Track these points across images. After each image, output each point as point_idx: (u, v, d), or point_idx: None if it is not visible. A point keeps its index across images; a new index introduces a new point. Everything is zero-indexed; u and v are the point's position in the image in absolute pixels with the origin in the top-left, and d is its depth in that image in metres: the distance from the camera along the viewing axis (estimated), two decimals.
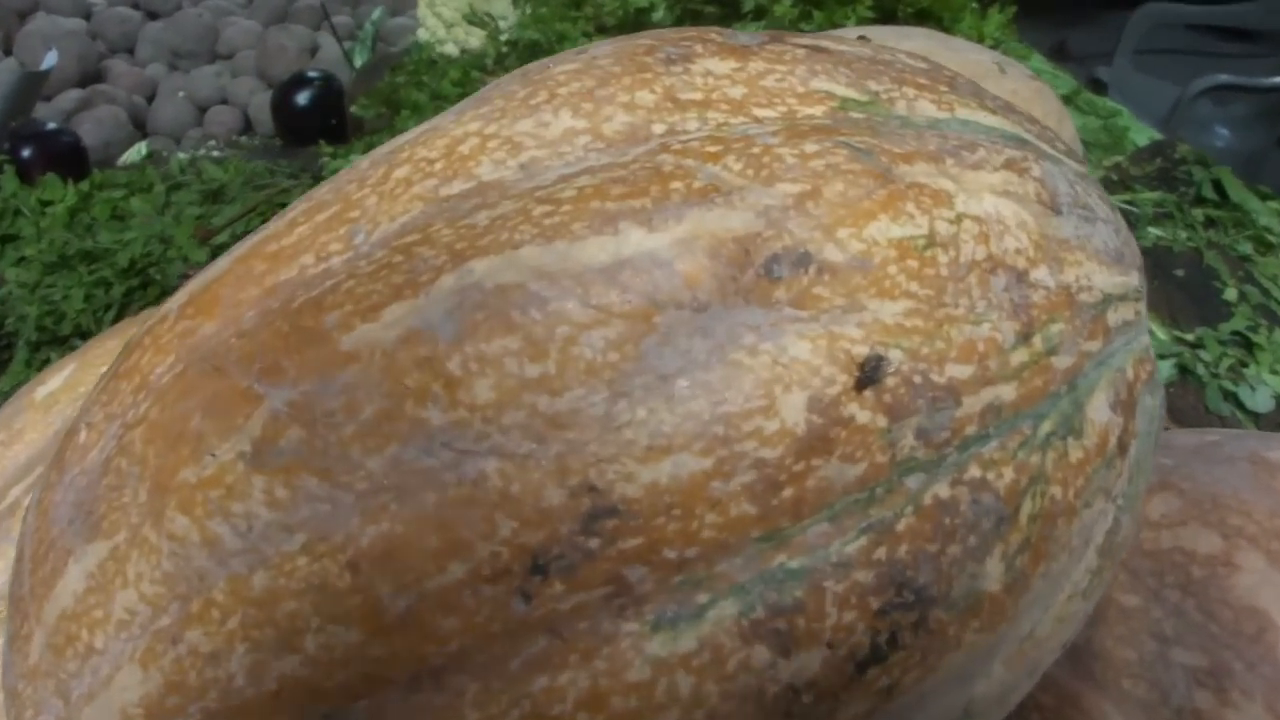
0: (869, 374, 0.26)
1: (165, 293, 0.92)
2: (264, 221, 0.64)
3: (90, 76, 1.69)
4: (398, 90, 1.16)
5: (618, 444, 0.24)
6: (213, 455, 0.26)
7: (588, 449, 0.24)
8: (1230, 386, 0.90)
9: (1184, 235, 1.06)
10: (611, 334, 0.25)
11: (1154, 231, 1.03)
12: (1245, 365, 0.92)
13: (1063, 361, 0.32)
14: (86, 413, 0.31)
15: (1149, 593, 0.44)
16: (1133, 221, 1.05)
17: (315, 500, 0.25)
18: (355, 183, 0.30)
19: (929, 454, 0.28)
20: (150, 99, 1.68)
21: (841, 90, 0.31)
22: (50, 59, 1.36)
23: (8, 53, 1.62)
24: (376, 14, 1.76)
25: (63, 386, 0.55)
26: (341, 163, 1.15)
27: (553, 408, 0.25)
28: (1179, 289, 0.99)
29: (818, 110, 0.30)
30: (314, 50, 1.71)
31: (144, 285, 0.93)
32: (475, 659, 0.25)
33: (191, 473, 0.26)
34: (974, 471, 0.29)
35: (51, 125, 1.24)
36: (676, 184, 0.26)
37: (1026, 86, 0.74)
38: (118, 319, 0.90)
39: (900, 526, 0.27)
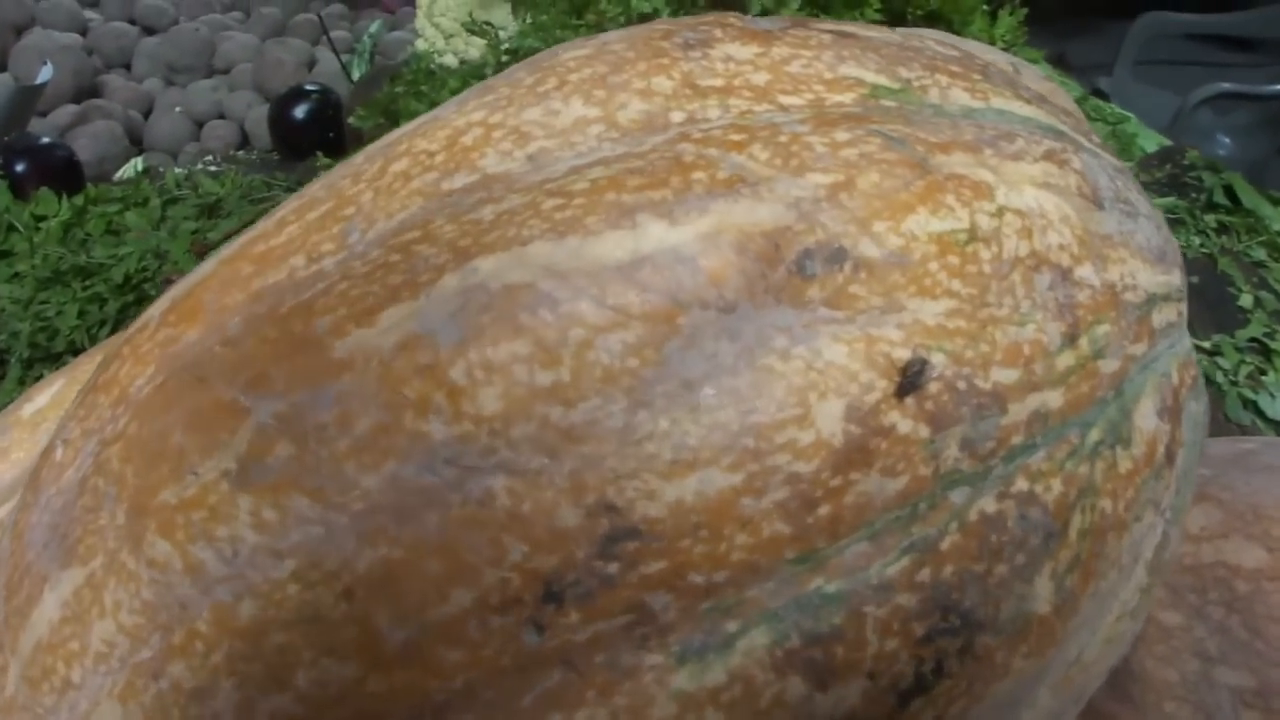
0: (911, 379, 0.24)
1: None
2: None
3: (86, 92, 1.67)
4: (396, 100, 1.14)
5: (638, 458, 0.22)
6: (195, 474, 0.24)
7: (605, 464, 0.22)
8: (1250, 394, 0.88)
9: (1196, 241, 1.04)
10: (630, 337, 0.23)
11: None
12: (1264, 373, 0.90)
13: (1109, 365, 0.29)
14: (64, 429, 0.29)
15: (1191, 610, 0.42)
16: None
17: (306, 522, 0.23)
18: (350, 178, 0.28)
19: (974, 466, 0.25)
20: (147, 114, 1.66)
21: (871, 77, 0.29)
22: (45, 73, 1.35)
23: (3, 68, 1.61)
24: (375, 27, 1.75)
25: (50, 404, 0.53)
26: None
27: (566, 419, 0.22)
28: (1194, 296, 0.97)
29: (847, 97, 0.28)
30: (312, 64, 1.69)
31: (139, 301, 0.91)
32: (482, 696, 0.23)
33: (172, 493, 0.24)
34: (1021, 484, 0.26)
35: (45, 139, 1.22)
36: (699, 174, 0.24)
37: (1041, 87, 0.72)
38: (112, 335, 0.88)
39: (945, 545, 0.25)
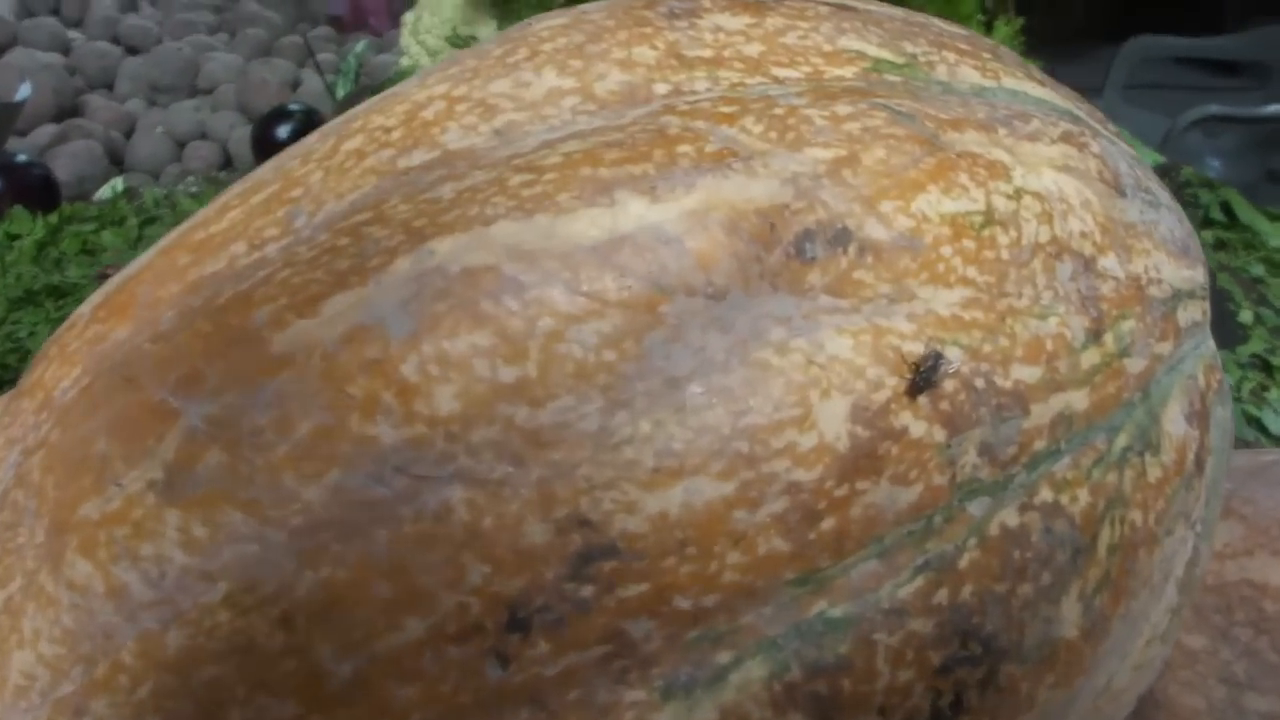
0: (924, 376, 0.21)
1: None
2: None
3: (67, 111, 1.65)
4: None
5: (616, 466, 0.20)
6: (119, 485, 0.22)
7: (578, 473, 0.20)
8: (1254, 410, 0.86)
9: None
10: (607, 328, 0.20)
11: None
12: (1266, 389, 0.88)
13: (1135, 365, 0.27)
14: None
15: (1216, 632, 0.39)
16: None
17: (240, 540, 0.20)
18: (299, 158, 0.25)
19: (994, 474, 0.23)
20: (129, 134, 1.64)
21: (874, 51, 0.26)
22: (24, 90, 1.32)
23: None
24: (360, 47, 1.73)
25: None
26: None
27: (534, 421, 0.20)
28: None
29: (848, 71, 0.25)
30: (296, 84, 1.67)
31: None
32: None
33: (94, 507, 0.22)
34: (1045, 494, 0.24)
35: (21, 157, 1.20)
36: (685, 147, 0.22)
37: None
38: None
39: (963, 563, 0.22)
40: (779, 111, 0.23)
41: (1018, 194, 0.25)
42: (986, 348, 0.23)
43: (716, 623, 0.20)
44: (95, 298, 0.27)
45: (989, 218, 0.24)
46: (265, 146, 1.36)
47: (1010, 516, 0.23)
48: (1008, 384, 0.23)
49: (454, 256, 0.20)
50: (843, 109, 0.23)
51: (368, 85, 1.60)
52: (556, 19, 0.26)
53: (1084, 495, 0.25)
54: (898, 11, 0.29)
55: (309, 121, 1.36)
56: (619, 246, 0.20)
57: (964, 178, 0.24)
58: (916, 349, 0.22)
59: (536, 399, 0.20)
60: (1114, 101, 1.52)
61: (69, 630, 0.22)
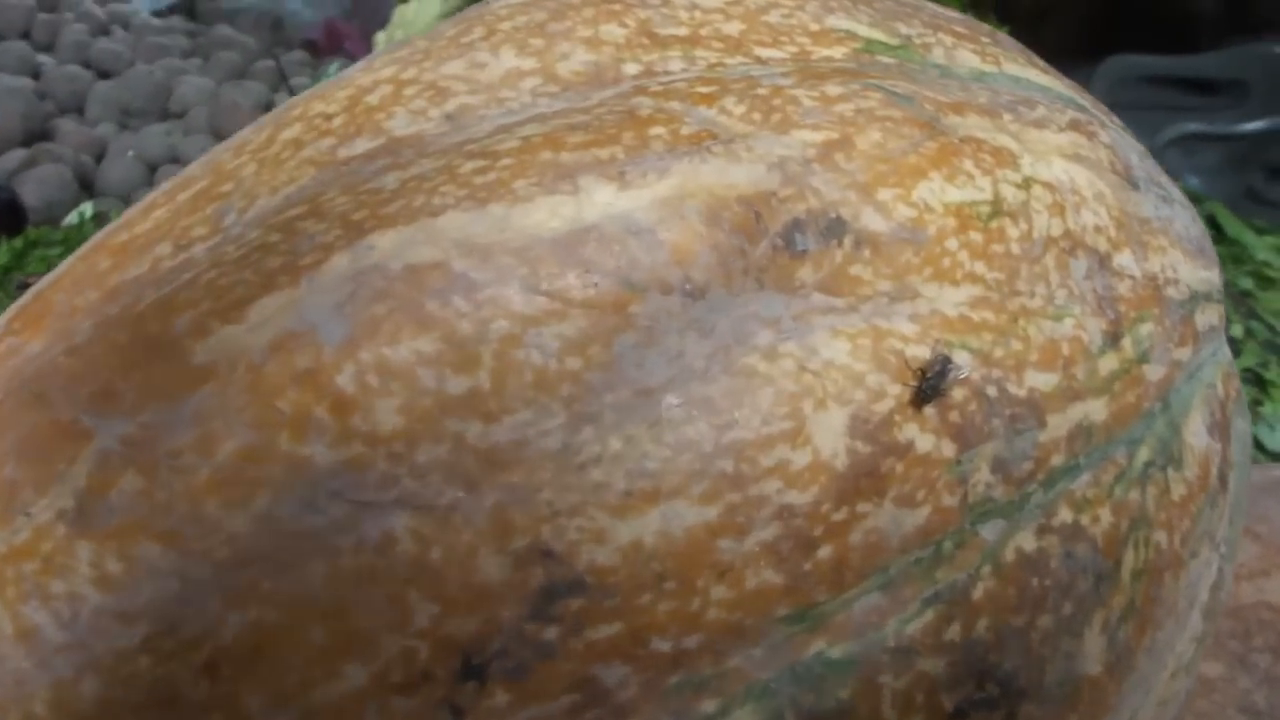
0: (931, 384, 0.19)
1: None
2: None
3: (37, 136, 1.62)
4: None
5: (582, 489, 0.17)
6: (27, 515, 0.19)
7: (539, 497, 0.17)
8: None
9: None
10: (570, 331, 0.18)
11: None
12: (1260, 404, 0.86)
13: (1155, 372, 0.25)
14: None
15: (1233, 658, 0.37)
16: None
17: (160, 575, 0.18)
18: (232, 150, 0.22)
19: (1008, 493, 0.20)
20: (99, 159, 1.61)
21: (865, 30, 0.24)
22: None
23: None
24: (334, 70, 1.71)
25: None
26: None
27: (488, 439, 0.17)
28: None
29: (836, 52, 0.23)
30: (269, 107, 1.65)
31: None
32: None
33: (1, 539, 0.19)
34: (1064, 515, 0.21)
35: None
36: (658, 129, 0.19)
37: None
38: None
39: (977, 593, 0.20)
40: (762, 91, 0.21)
41: (1027, 183, 0.22)
42: (998, 352, 0.20)
43: (700, 667, 0.18)
44: (12, 309, 0.24)
45: (997, 208, 0.21)
46: None
47: (1027, 540, 0.21)
48: (1022, 392, 0.21)
49: (396, 252, 0.18)
50: (833, 89, 0.21)
51: None
52: None
53: (1106, 515, 0.22)
54: None
55: None
56: (583, 239, 0.18)
57: (969, 164, 0.21)
58: (922, 353, 0.19)
59: (490, 413, 0.17)
60: None
61: None
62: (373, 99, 0.21)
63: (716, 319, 0.18)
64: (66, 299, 0.22)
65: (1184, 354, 0.26)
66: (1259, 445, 0.82)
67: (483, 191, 0.18)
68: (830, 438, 0.18)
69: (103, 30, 1.88)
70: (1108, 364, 0.23)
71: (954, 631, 0.19)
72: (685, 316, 0.18)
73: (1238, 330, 0.95)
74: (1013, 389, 0.20)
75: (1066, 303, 0.22)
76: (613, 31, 0.22)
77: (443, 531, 0.17)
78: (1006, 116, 0.24)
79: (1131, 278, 0.24)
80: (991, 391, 0.20)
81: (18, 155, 1.48)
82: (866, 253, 0.19)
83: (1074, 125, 0.26)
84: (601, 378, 0.18)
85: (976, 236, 0.21)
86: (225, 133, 1.55)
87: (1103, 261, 0.24)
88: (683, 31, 0.22)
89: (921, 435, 0.19)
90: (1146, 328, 0.25)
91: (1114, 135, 0.28)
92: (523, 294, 0.17)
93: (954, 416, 0.19)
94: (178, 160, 1.56)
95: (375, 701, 0.17)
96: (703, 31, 0.23)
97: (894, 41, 0.25)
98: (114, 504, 0.18)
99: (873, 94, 0.21)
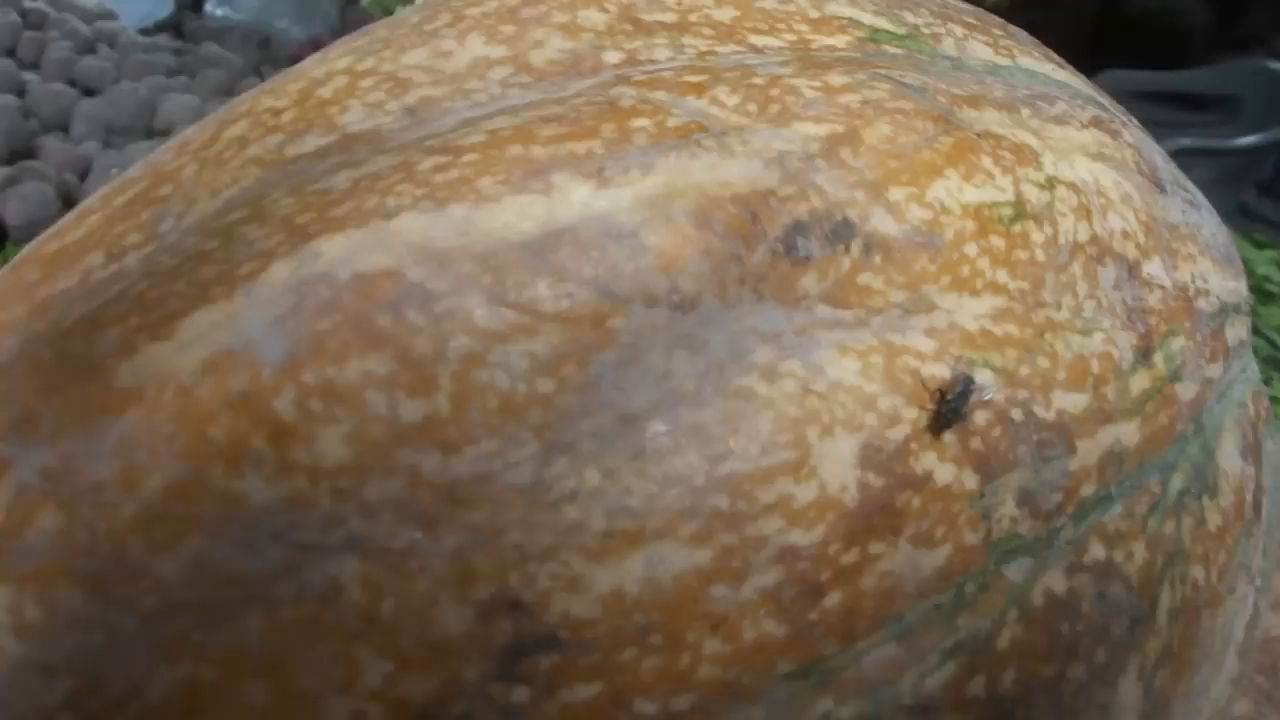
0: (952, 407, 0.17)
1: None
2: None
3: (20, 154, 1.60)
4: None
5: (555, 530, 0.15)
6: None
7: (506, 540, 0.15)
8: None
9: None
10: (541, 349, 0.15)
11: None
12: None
13: (1187, 390, 0.22)
14: None
15: (1261, 695, 0.35)
16: None
17: (82, 626, 0.16)
18: (173, 150, 0.20)
19: (1036, 528, 0.18)
20: (83, 176, 1.59)
21: (869, 19, 0.22)
22: None
23: None
24: None
25: None
26: None
27: (447, 472, 0.15)
28: None
29: (839, 40, 0.21)
30: None
31: None
32: None
33: None
34: (1096, 551, 0.19)
35: None
36: (641, 121, 0.17)
37: None
38: None
39: (1002, 642, 0.17)
40: (759, 81, 0.19)
41: (1050, 183, 0.20)
42: (1024, 370, 0.18)
43: None
44: None
45: (1019, 210, 0.19)
46: None
47: (1056, 581, 0.18)
48: (1050, 415, 0.18)
49: (345, 259, 0.16)
50: (837, 79, 0.19)
51: None
52: None
53: (1140, 550, 0.20)
54: None
55: None
56: (556, 243, 0.16)
57: (987, 161, 0.19)
58: (940, 372, 0.17)
59: (450, 443, 0.15)
60: None
61: None
62: (326, 92, 0.19)
63: (709, 334, 0.16)
64: None
65: (1215, 371, 0.24)
66: None
67: (443, 191, 0.16)
68: (839, 469, 0.16)
69: (89, 48, 1.87)
70: (1139, 383, 0.21)
71: (978, 686, 0.17)
72: (673, 331, 0.16)
73: None
74: (1040, 411, 0.18)
75: (1095, 315, 0.20)
76: (592, 17, 0.20)
77: (396, 579, 0.15)
78: (1025, 111, 0.22)
79: (1161, 288, 0.22)
80: (1017, 415, 0.18)
81: (0, 173, 1.46)
82: (877, 259, 0.17)
83: (1096, 123, 0.24)
84: (577, 402, 0.15)
85: (998, 241, 0.19)
86: None
87: (1131, 270, 0.22)
88: (669, 17, 0.20)
89: (941, 465, 0.17)
90: (1178, 342, 0.23)
91: (1136, 135, 0.26)
92: (487, 306, 0.15)
93: (976, 443, 0.17)
94: None
95: None
96: (691, 18, 0.20)
97: (901, 31, 0.22)
98: (32, 544, 0.16)
99: (881, 84, 0.19)
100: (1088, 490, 0.19)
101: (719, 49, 0.20)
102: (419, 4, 0.22)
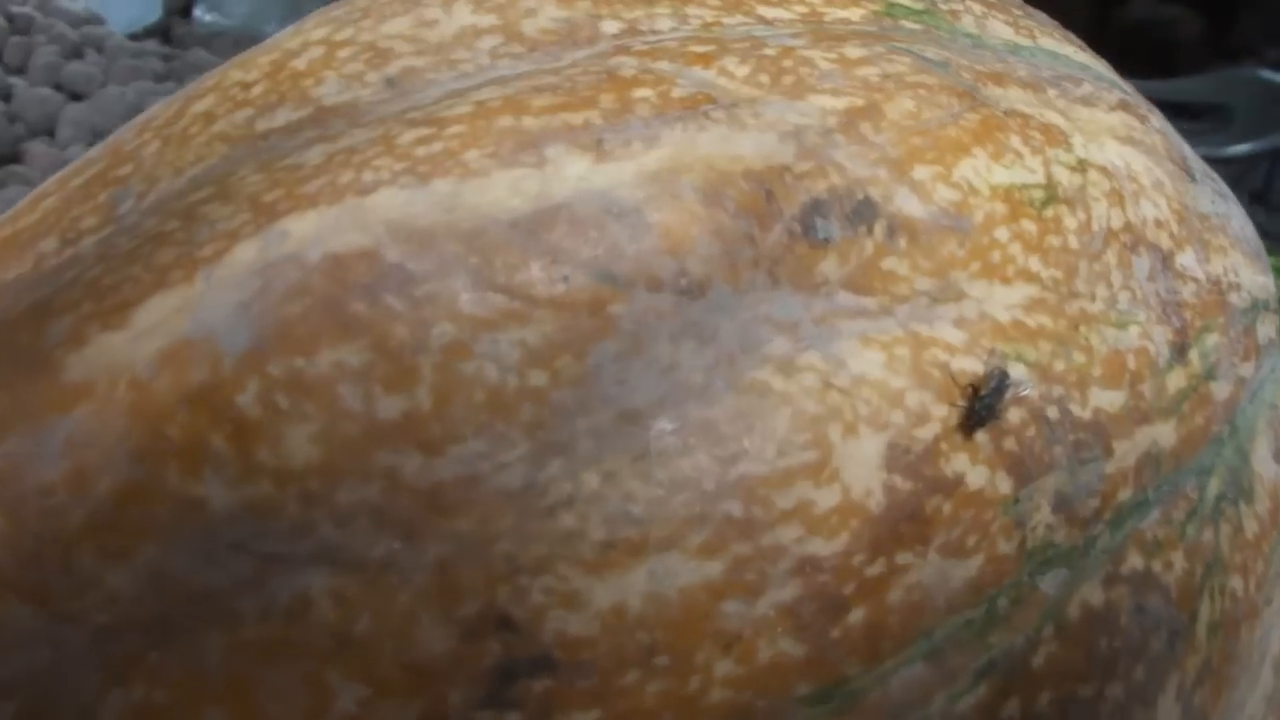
0: (985, 404, 0.15)
1: None
2: None
3: (6, 159, 1.59)
4: None
5: (549, 540, 0.14)
6: None
7: (494, 550, 0.13)
8: None
9: None
10: (534, 338, 0.14)
11: None
12: None
13: (1221, 390, 0.21)
14: None
15: None
16: None
17: (29, 642, 0.15)
18: (136, 128, 0.19)
19: (1072, 536, 0.17)
20: None
21: None
22: None
23: None
24: None
25: None
26: None
27: (429, 475, 0.14)
28: None
29: (853, 14, 0.20)
30: None
31: None
32: None
33: None
34: (1134, 560, 0.18)
35: None
36: (644, 91, 0.16)
37: None
38: None
39: (1038, 660, 0.16)
40: (770, 52, 0.17)
41: (1081, 166, 0.19)
42: (1059, 365, 0.17)
43: None
44: None
45: (1051, 193, 0.18)
46: None
47: (1093, 593, 0.17)
48: (1086, 414, 0.17)
49: (316, 238, 0.14)
50: (854, 51, 0.18)
51: None
52: None
53: (1179, 560, 0.19)
54: None
55: None
56: (550, 221, 0.14)
57: (1016, 140, 0.18)
58: (971, 366, 0.16)
59: (432, 443, 0.14)
60: None
61: None
62: (300, 63, 0.18)
63: (719, 322, 0.15)
64: None
65: (1248, 370, 0.23)
66: None
67: (425, 165, 0.15)
68: (863, 472, 0.15)
69: (76, 53, 1.86)
70: (1175, 380, 0.19)
71: (1012, 708, 0.16)
72: (680, 319, 0.14)
73: None
74: (1076, 410, 0.17)
75: (1130, 307, 0.19)
76: None
77: (372, 594, 0.14)
78: (1051, 92, 0.20)
79: (1195, 280, 0.21)
80: (1052, 413, 0.16)
81: None
82: (902, 242, 0.16)
83: (1123, 106, 0.22)
84: (574, 397, 0.14)
85: (1030, 226, 0.17)
86: None
87: (1165, 261, 0.20)
88: None
89: (973, 468, 0.15)
90: (1212, 339, 0.21)
91: (1162, 122, 0.24)
92: (473, 290, 0.14)
93: (1010, 444, 0.16)
94: None
95: None
96: None
97: (917, 6, 0.21)
98: None
99: (901, 58, 0.18)
100: (1125, 495, 0.18)
101: (725, 20, 0.19)
102: None
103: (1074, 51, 0.24)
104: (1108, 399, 0.18)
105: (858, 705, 0.15)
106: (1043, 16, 0.25)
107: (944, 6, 0.22)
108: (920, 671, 0.15)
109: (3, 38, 1.65)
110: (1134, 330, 0.19)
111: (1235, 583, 0.20)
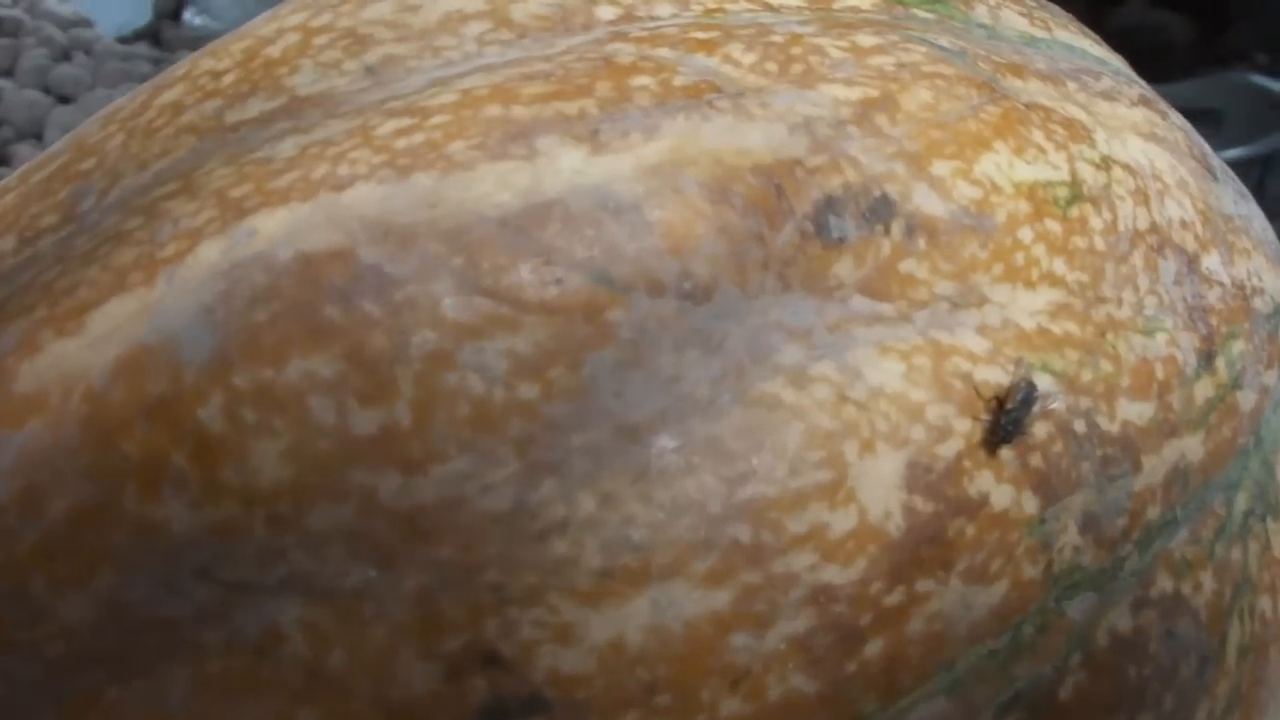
0: (1012, 417, 0.14)
1: None
2: None
3: None
4: None
5: (541, 568, 0.12)
6: None
7: (481, 580, 0.12)
8: None
9: None
10: (524, 346, 0.13)
11: None
12: None
13: (1247, 400, 0.20)
14: None
15: None
16: None
17: None
18: (100, 120, 0.18)
19: (1100, 558, 0.16)
20: None
21: None
22: None
23: None
24: None
25: None
26: None
27: (409, 497, 0.12)
28: None
29: (864, 1, 0.19)
30: None
31: None
32: None
33: None
34: (1164, 583, 0.17)
35: None
36: (643, 79, 0.15)
37: None
38: None
39: (1065, 692, 0.15)
40: (778, 39, 0.16)
41: (1106, 163, 0.18)
42: (1086, 375, 0.16)
43: None
44: None
45: (1076, 192, 0.17)
46: None
47: (1122, 618, 0.16)
48: (1114, 428, 0.16)
49: (285, 237, 0.13)
50: (866, 39, 0.17)
51: None
52: None
53: (1208, 581, 0.18)
54: None
55: None
56: (542, 218, 0.13)
57: (1039, 135, 0.17)
58: (994, 377, 0.15)
59: (412, 462, 0.12)
60: None
61: None
62: (274, 51, 0.17)
63: (726, 329, 0.13)
64: None
65: (1271, 378, 0.22)
66: None
67: (405, 157, 0.14)
68: (881, 492, 0.13)
69: (64, 55, 1.84)
70: (1203, 390, 0.18)
71: None
72: (683, 326, 0.13)
73: None
74: (1103, 423, 0.16)
75: (1157, 313, 0.18)
76: None
77: (346, 626, 0.12)
78: (1071, 85, 0.19)
79: (1221, 284, 0.20)
80: (1079, 427, 0.15)
81: None
82: (921, 243, 0.15)
83: (1144, 101, 0.21)
84: (568, 411, 0.13)
85: (1054, 226, 0.16)
86: None
87: (1191, 264, 0.19)
88: None
89: (998, 486, 0.14)
90: (1238, 346, 0.20)
91: (1180, 119, 0.23)
92: (457, 294, 0.13)
93: (1036, 460, 0.15)
94: None
95: None
96: None
97: None
98: None
99: (916, 47, 0.17)
100: (1153, 513, 0.17)
101: (729, 6, 0.17)
102: None
103: (1090, 45, 0.23)
104: (1136, 411, 0.17)
105: None
106: (1056, 9, 0.24)
107: None
108: (941, 707, 0.14)
109: None
110: (1161, 337, 0.18)
111: (1264, 603, 0.19)
